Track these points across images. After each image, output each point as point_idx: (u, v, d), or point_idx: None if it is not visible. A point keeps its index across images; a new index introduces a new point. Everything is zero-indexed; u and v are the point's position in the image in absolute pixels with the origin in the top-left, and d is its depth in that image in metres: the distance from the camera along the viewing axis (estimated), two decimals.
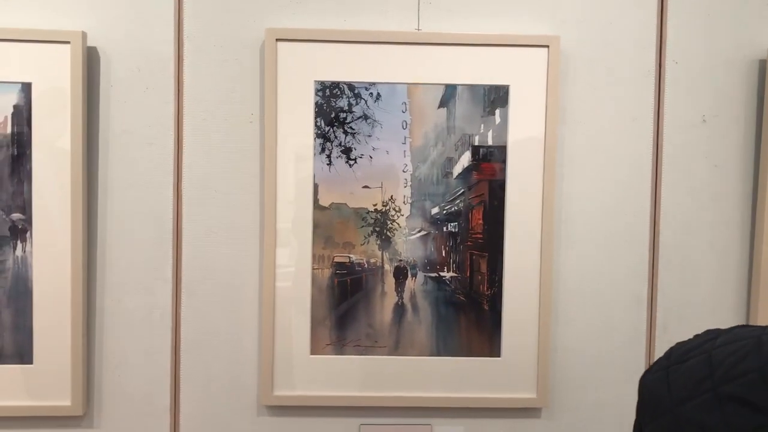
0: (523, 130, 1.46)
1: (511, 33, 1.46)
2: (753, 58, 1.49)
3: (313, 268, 1.46)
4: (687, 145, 1.50)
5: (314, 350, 1.47)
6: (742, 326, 0.85)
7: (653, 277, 1.51)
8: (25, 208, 1.42)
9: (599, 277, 1.51)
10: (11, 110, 1.42)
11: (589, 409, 1.53)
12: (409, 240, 1.48)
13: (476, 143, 1.47)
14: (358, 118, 1.45)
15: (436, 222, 1.48)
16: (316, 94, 1.44)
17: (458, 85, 1.46)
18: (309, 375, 1.48)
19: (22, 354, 1.44)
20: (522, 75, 1.46)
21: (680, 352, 0.86)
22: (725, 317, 1.51)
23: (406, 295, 1.48)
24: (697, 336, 0.88)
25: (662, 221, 1.50)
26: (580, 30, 1.48)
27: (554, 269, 1.49)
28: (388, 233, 1.48)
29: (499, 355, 1.49)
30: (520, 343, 1.49)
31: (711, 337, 0.84)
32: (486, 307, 1.49)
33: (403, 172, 1.47)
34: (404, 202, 1.47)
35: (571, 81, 1.48)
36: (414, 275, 1.48)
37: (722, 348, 0.80)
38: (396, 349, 1.49)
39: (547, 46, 1.44)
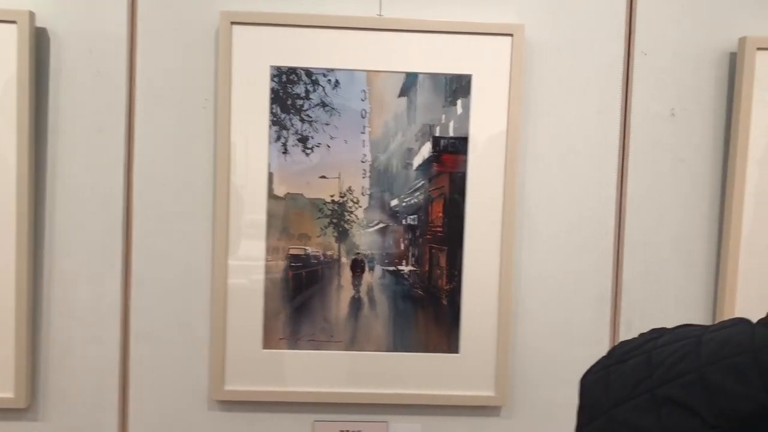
0: (485, 121, 1.42)
1: (474, 21, 1.41)
2: (723, 50, 1.45)
3: (267, 260, 1.42)
4: (654, 139, 1.46)
5: (267, 344, 1.43)
6: (686, 325, 0.81)
7: (617, 273, 1.47)
8: None
9: (562, 272, 1.47)
10: None
11: (550, 407, 1.50)
12: (367, 232, 1.44)
13: (437, 134, 1.42)
14: (316, 105, 1.40)
15: (395, 214, 1.44)
16: (272, 80, 1.40)
17: (419, 73, 1.41)
18: (261, 370, 1.43)
19: None
20: (485, 64, 1.41)
21: (622, 352, 0.82)
22: (690, 314, 1.48)
23: (363, 289, 1.44)
24: (642, 335, 0.85)
25: (627, 216, 1.46)
26: (545, 19, 1.44)
27: (515, 264, 1.45)
28: (346, 225, 1.43)
29: (457, 352, 1.45)
30: (480, 340, 1.45)
31: (654, 336, 0.81)
32: (445, 302, 1.45)
33: (362, 162, 1.42)
34: (362, 194, 1.43)
35: (536, 71, 1.44)
36: (371, 269, 1.44)
37: (663, 348, 0.76)
38: (352, 344, 1.45)
39: (511, 35, 1.40)
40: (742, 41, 1.42)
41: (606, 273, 1.47)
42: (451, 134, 1.43)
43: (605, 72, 1.45)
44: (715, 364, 0.69)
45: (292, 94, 1.40)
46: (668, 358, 0.74)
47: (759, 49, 1.40)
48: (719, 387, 0.67)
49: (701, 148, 1.47)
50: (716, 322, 0.77)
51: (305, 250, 1.43)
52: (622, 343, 0.85)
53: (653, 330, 0.85)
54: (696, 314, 1.48)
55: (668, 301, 1.48)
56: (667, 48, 1.45)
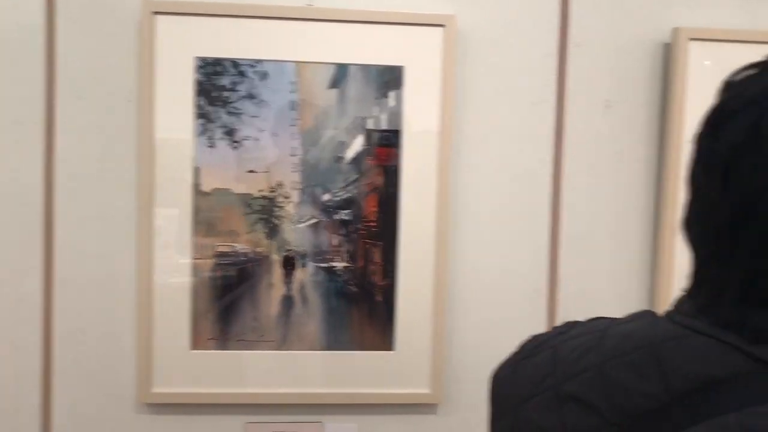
0: (418, 114, 1.39)
1: (405, 11, 1.38)
2: (657, 41, 1.44)
3: (194, 258, 1.37)
4: (590, 131, 1.45)
5: (195, 345, 1.39)
6: (598, 318, 0.79)
7: (553, 266, 1.46)
8: None
9: (498, 267, 1.45)
10: None
11: (487, 404, 1.47)
12: (299, 228, 1.40)
13: (370, 127, 1.39)
14: (243, 97, 1.36)
15: (327, 209, 1.40)
16: (197, 72, 1.35)
17: (350, 64, 1.38)
18: (190, 371, 1.39)
19: None
20: (417, 55, 1.38)
21: (531, 347, 0.80)
22: (628, 308, 1.45)
23: (295, 287, 1.41)
24: (555, 328, 0.82)
25: (563, 209, 1.45)
26: (478, 9, 1.41)
27: (450, 260, 1.43)
28: (276, 221, 1.39)
29: (392, 349, 1.42)
30: (415, 337, 1.42)
31: (563, 329, 0.79)
32: (380, 299, 1.41)
33: (292, 156, 1.38)
34: (293, 188, 1.39)
35: (469, 62, 1.41)
36: (303, 265, 1.40)
37: (569, 342, 0.74)
38: (284, 343, 1.41)
39: (443, 26, 1.37)
40: (675, 32, 1.41)
41: (542, 267, 1.46)
42: (384, 127, 1.39)
43: (539, 63, 1.43)
44: (615, 359, 0.67)
45: (219, 86, 1.36)
46: (572, 353, 0.72)
47: (691, 39, 1.40)
48: (618, 383, 0.65)
49: (637, 140, 1.46)
50: (625, 315, 0.74)
51: (234, 247, 1.38)
52: (533, 337, 0.82)
53: (566, 323, 0.83)
54: (633, 308, 1.46)
55: (605, 294, 1.47)
56: (602, 39, 1.44)
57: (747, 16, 1.43)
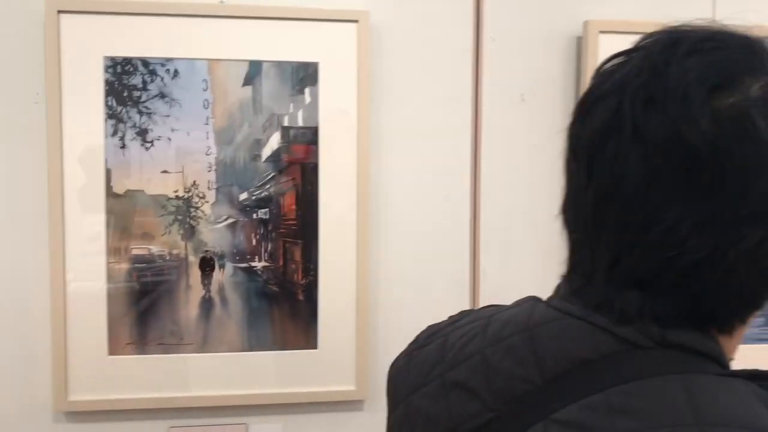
0: (334, 110, 1.39)
1: (318, 7, 1.37)
2: (569, 35, 1.46)
3: (109, 262, 1.34)
4: (506, 125, 1.46)
5: (113, 350, 1.36)
6: (489, 306, 0.80)
7: (474, 260, 1.47)
8: None
9: (419, 261, 1.45)
10: None
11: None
12: (216, 228, 1.38)
13: (286, 124, 1.38)
14: (154, 96, 1.34)
15: (245, 209, 1.39)
16: (106, 71, 1.32)
17: (264, 61, 1.36)
18: (108, 377, 1.36)
19: None
20: (331, 52, 1.38)
21: (425, 336, 0.80)
22: None
23: (214, 288, 1.39)
24: (450, 317, 0.83)
25: (482, 203, 1.46)
26: (391, 5, 1.42)
27: (372, 256, 1.42)
28: (192, 222, 1.37)
29: (315, 347, 1.41)
30: (338, 334, 1.42)
31: (457, 318, 0.79)
32: (301, 298, 1.41)
33: (207, 155, 1.37)
34: (209, 188, 1.37)
35: (384, 58, 1.42)
36: (222, 266, 1.39)
37: (458, 330, 0.74)
38: (204, 345, 1.39)
39: (356, 21, 1.37)
40: (586, 25, 1.43)
41: (464, 260, 1.47)
42: (301, 124, 1.39)
43: (455, 58, 1.44)
44: (495, 345, 0.67)
45: (129, 86, 1.33)
46: (459, 341, 0.72)
47: (601, 32, 1.42)
48: (497, 368, 0.65)
49: (552, 133, 1.47)
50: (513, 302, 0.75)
51: (149, 249, 1.36)
52: (429, 327, 0.83)
53: (460, 312, 0.83)
54: None
55: (526, 285, 1.47)
56: (516, 33, 1.46)
57: (655, 9, 1.46)
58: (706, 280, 0.57)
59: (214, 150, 1.36)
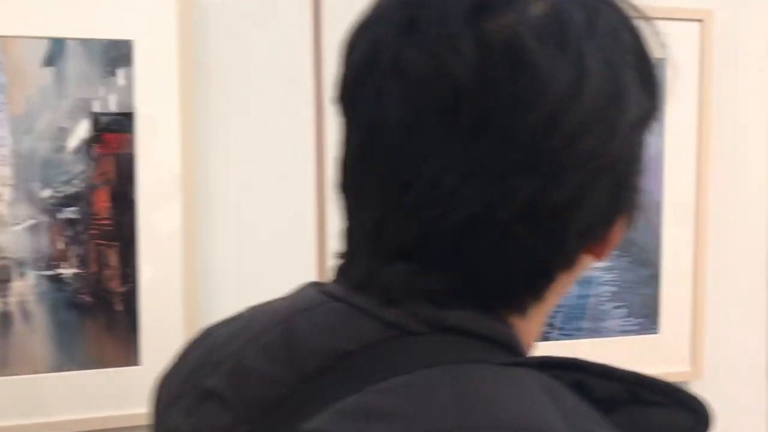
0: (153, 95, 1.23)
1: None
2: None
3: None
4: None
5: None
6: (274, 300, 0.66)
7: (321, 261, 1.34)
8: None
9: (259, 263, 1.31)
10: None
11: None
12: (14, 231, 1.19)
13: (95, 110, 1.21)
14: None
15: (49, 208, 1.20)
16: None
17: (68, 39, 1.19)
18: None
19: None
20: (148, 29, 1.22)
21: (195, 339, 0.66)
22: None
23: (14, 301, 1.19)
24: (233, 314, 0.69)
25: (327, 183, 1.32)
26: None
27: (202, 257, 1.27)
28: None
29: (138, 364, 1.24)
30: (164, 347, 1.22)
31: (234, 316, 0.66)
32: (120, 308, 1.23)
33: (1, 146, 1.18)
34: (3, 185, 1.18)
35: (212, 36, 1.27)
36: (22, 275, 1.20)
37: (225, 329, 0.61)
38: (4, 368, 1.19)
39: None
40: None
41: (309, 261, 1.33)
42: (113, 110, 1.22)
43: (293, 37, 1.31)
44: (251, 344, 0.54)
45: None
46: (224, 340, 0.59)
47: None
48: (250, 371, 0.52)
49: None
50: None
51: None
52: (205, 328, 0.69)
53: (247, 308, 0.69)
54: None
55: None
56: (357, 11, 1.34)
57: None
58: (480, 245, 0.46)
59: (9, 140, 1.18)
